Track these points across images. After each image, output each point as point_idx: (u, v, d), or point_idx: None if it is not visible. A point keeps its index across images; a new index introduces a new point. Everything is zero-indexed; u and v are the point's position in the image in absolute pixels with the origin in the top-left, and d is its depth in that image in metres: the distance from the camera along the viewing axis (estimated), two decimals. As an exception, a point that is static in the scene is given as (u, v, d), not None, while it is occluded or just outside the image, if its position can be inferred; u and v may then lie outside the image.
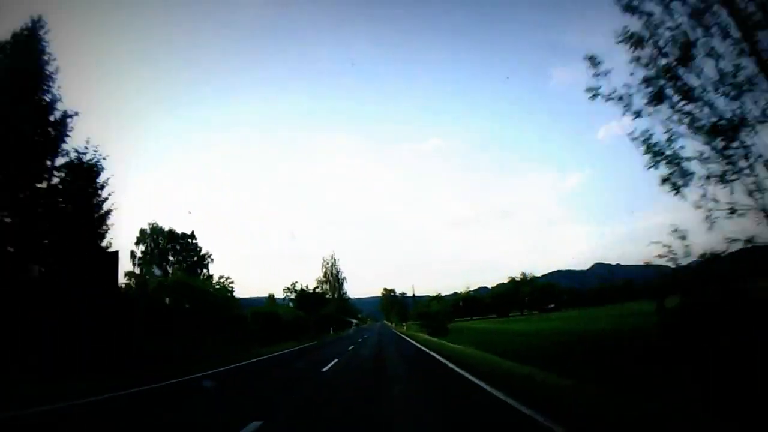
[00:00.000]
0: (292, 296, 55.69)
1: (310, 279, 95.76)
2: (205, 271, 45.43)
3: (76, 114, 13.28)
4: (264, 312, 35.21)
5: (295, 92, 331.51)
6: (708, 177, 6.97)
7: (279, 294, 57.90)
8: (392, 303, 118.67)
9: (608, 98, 7.82)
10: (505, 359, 10.34)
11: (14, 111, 11.63)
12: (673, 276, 7.63)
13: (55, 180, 12.87)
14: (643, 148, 7.59)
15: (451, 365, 10.63)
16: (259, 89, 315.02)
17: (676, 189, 7.36)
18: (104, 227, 13.87)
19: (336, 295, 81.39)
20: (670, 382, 5.40)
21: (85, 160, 13.43)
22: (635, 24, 7.53)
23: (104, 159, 13.97)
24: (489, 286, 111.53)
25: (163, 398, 8.22)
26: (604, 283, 75.59)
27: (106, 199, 13.98)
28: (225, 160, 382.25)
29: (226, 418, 5.68)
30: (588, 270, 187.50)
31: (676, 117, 7.27)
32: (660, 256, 7.45)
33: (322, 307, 57.25)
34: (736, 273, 6.93)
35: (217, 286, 30.70)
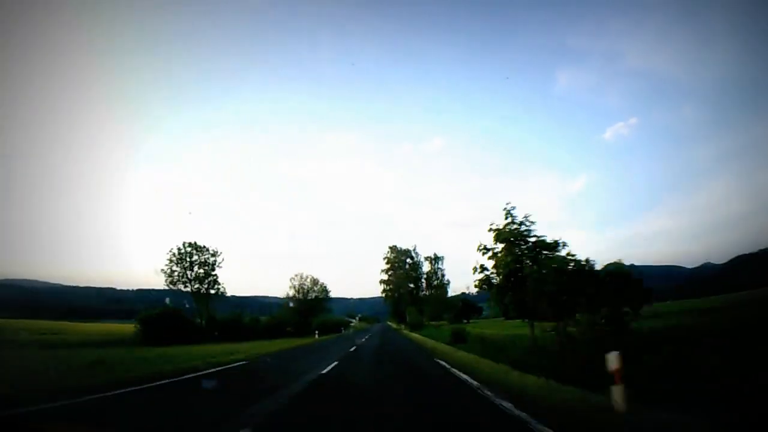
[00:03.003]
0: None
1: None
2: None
3: None
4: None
5: (297, 93, 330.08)
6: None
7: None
8: (410, 291, 61.97)
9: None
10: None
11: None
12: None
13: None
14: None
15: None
16: (260, 89, 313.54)
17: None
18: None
19: None
20: None
21: None
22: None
23: None
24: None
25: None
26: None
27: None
28: (226, 160, 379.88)
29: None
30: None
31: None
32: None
33: None
34: None
35: None
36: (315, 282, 55.76)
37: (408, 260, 64.43)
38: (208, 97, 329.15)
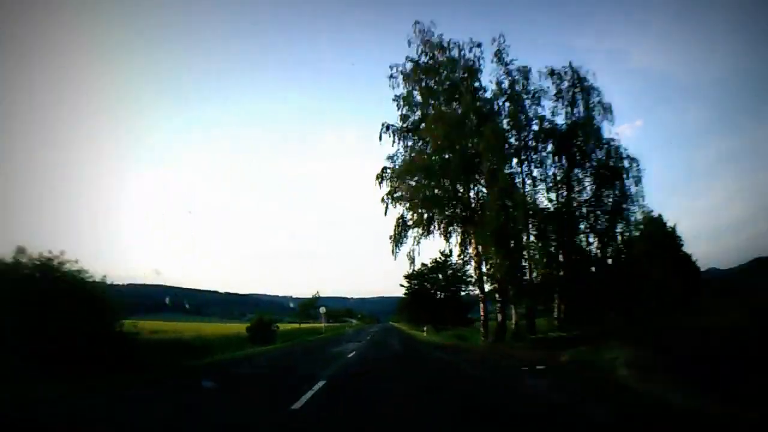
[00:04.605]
0: None
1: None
2: None
3: None
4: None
5: (297, 92, 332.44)
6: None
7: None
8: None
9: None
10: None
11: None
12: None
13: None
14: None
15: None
16: (260, 89, 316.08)
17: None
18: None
19: None
20: None
21: None
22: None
23: None
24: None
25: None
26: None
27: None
28: (226, 160, 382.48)
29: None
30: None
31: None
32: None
33: None
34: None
35: None
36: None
37: (473, 85, 19.42)
38: (207, 97, 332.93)
